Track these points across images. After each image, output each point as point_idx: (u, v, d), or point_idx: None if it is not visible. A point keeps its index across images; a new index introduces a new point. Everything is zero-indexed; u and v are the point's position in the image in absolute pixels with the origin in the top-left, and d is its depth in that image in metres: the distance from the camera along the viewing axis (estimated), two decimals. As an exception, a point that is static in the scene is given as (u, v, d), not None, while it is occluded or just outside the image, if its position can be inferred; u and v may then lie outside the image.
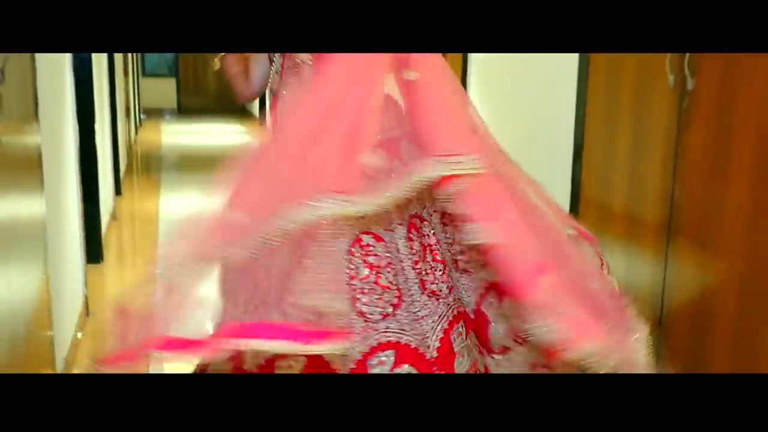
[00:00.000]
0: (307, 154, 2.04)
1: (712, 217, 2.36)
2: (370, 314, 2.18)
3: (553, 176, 3.36)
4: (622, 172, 2.88)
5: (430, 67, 2.18)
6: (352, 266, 2.21)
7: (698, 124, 2.43)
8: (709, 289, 2.40)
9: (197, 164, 9.20)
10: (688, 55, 2.42)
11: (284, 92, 2.33)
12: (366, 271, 2.21)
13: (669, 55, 2.50)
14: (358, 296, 2.19)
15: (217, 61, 2.33)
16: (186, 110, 15.49)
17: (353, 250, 2.22)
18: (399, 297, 2.23)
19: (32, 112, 2.67)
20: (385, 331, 2.19)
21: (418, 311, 2.23)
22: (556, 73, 3.32)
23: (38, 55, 2.79)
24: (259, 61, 2.41)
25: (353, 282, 2.19)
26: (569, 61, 3.17)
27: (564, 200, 3.26)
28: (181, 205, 6.84)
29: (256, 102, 13.63)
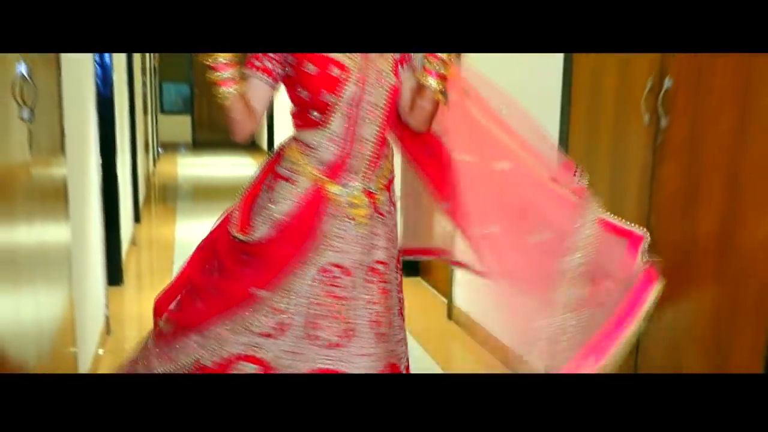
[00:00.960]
0: None
1: (685, 243, 2.37)
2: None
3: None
4: (602, 203, 2.89)
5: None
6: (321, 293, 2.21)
7: (671, 159, 2.44)
8: (683, 309, 2.41)
9: (210, 194, 9.23)
10: (661, 95, 2.44)
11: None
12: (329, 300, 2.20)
13: (644, 94, 2.52)
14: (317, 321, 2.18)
15: (231, 91, 2.12)
16: (200, 144, 15.53)
17: (318, 277, 2.21)
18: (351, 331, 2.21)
19: (59, 146, 2.69)
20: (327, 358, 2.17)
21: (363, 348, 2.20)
22: (540, 113, 3.34)
23: (65, 95, 2.81)
24: (257, 95, 2.19)
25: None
26: (552, 101, 3.19)
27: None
28: (195, 231, 6.84)
29: (264, 136, 13.69)
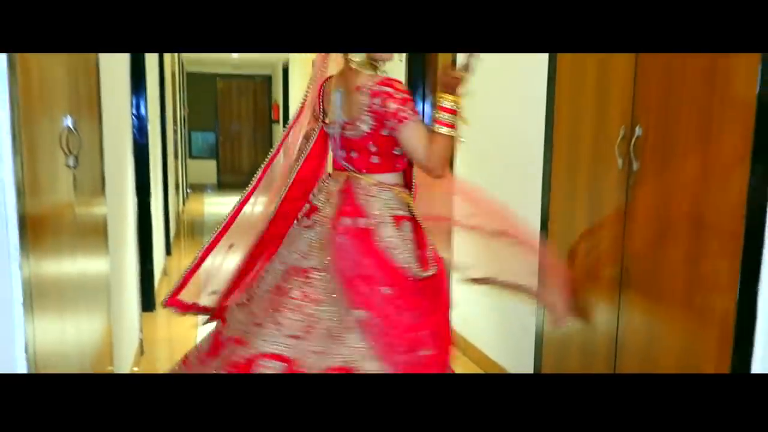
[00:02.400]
0: None
1: (655, 272, 2.37)
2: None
3: (524, 240, 3.37)
4: (582, 236, 2.89)
5: None
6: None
7: (642, 198, 2.45)
8: (655, 331, 2.40)
9: (233, 229, 9.21)
10: (633, 142, 2.45)
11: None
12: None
13: (617, 141, 2.53)
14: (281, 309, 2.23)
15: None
16: (224, 185, 15.54)
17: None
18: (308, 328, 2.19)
19: (100, 188, 2.71)
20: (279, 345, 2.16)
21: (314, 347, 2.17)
22: (526, 159, 3.35)
23: (106, 143, 2.83)
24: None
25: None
26: (537, 148, 3.20)
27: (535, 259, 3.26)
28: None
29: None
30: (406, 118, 2.17)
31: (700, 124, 2.16)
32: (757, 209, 1.92)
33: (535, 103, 3.22)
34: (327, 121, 2.42)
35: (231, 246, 2.52)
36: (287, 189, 2.44)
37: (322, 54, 2.45)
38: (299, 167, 2.44)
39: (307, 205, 2.43)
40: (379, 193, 2.30)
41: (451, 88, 2.16)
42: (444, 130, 2.15)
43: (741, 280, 1.98)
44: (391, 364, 2.13)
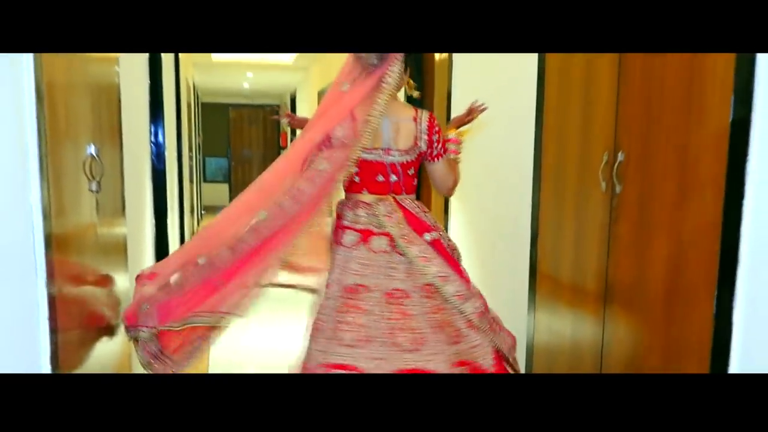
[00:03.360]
0: None
1: (638, 287, 2.36)
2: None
3: (516, 257, 3.37)
4: (568, 254, 2.89)
5: None
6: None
7: (624, 218, 2.45)
8: (638, 342, 2.39)
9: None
10: (615, 166, 2.45)
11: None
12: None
13: (601, 166, 2.54)
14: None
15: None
16: (236, 207, 15.55)
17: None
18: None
19: (120, 210, 2.71)
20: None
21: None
22: (517, 184, 3.36)
23: (126, 169, 2.84)
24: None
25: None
26: (527, 173, 3.21)
27: (524, 274, 3.26)
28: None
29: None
30: (442, 153, 2.49)
31: (677, 150, 2.16)
32: (731, 227, 1.92)
33: (525, 129, 3.23)
34: (367, 146, 2.37)
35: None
36: (303, 206, 2.32)
37: (350, 76, 2.39)
38: (320, 186, 2.35)
39: (356, 233, 2.44)
40: (421, 209, 2.51)
41: (460, 124, 2.58)
42: (457, 158, 2.56)
43: (717, 294, 1.98)
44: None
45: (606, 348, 2.57)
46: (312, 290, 2.48)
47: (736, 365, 1.93)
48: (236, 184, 15.72)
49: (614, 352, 2.53)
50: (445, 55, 4.50)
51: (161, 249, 4.74)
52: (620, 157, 2.45)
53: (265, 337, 4.63)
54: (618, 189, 2.47)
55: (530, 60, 3.18)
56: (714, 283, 1.99)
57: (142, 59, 3.94)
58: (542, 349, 3.15)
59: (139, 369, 3.12)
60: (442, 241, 2.47)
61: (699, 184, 2.07)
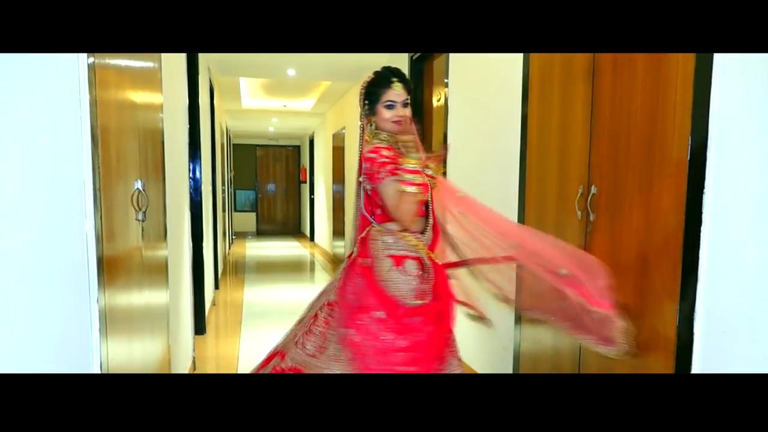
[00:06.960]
0: None
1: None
2: None
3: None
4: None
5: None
6: None
7: (598, 243, 2.44)
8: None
9: (269, 268, 9.20)
10: (589, 198, 2.45)
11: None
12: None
13: (577, 197, 2.54)
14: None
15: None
16: (261, 233, 15.58)
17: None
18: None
19: (162, 236, 2.72)
20: None
21: None
22: (503, 212, 3.36)
23: (168, 201, 2.85)
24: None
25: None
26: (512, 203, 3.21)
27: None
28: (259, 295, 6.81)
29: (308, 225, 13.74)
30: (381, 179, 2.13)
31: (642, 183, 2.16)
32: (691, 250, 1.91)
33: (511, 168, 3.24)
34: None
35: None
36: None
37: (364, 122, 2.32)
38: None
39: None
40: (380, 237, 2.22)
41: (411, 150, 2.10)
42: (409, 188, 2.08)
43: (680, 309, 1.96)
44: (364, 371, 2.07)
45: (582, 357, 2.55)
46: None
47: (698, 366, 1.91)
48: (262, 213, 15.79)
49: (589, 360, 2.50)
50: (442, 101, 4.52)
51: (197, 269, 4.75)
52: (593, 190, 2.45)
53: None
54: (592, 217, 2.46)
55: (515, 107, 3.20)
56: (677, 300, 1.98)
57: (183, 107, 3.98)
58: (527, 356, 3.11)
59: (176, 370, 3.10)
60: (370, 270, 2.20)
61: (662, 211, 2.06)
